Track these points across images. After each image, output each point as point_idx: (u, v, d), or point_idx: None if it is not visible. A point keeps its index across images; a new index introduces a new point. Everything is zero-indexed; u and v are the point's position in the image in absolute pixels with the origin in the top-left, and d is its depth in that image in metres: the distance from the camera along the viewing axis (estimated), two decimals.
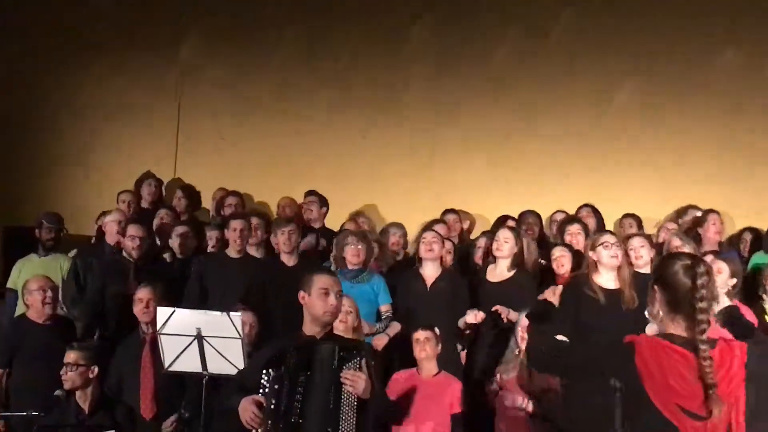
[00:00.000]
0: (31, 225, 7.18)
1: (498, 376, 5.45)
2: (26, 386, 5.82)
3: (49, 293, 6.10)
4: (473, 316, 6.01)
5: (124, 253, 6.69)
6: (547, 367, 3.33)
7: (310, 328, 3.98)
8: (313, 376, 3.79)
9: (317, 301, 3.92)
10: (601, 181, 8.10)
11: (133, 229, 6.71)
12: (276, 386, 3.73)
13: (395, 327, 6.26)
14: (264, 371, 3.77)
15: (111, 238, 6.99)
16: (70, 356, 5.25)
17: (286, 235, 6.63)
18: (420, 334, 5.61)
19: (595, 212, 7.39)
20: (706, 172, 7.97)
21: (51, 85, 9.07)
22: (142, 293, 5.88)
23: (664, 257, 3.31)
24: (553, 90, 8.42)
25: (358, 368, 3.78)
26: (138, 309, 5.87)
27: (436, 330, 5.68)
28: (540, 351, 3.34)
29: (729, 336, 4.40)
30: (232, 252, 6.79)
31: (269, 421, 3.69)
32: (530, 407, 5.25)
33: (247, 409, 3.71)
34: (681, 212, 7.65)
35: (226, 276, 6.60)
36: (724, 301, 5.44)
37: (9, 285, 6.99)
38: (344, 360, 3.81)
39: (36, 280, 6.18)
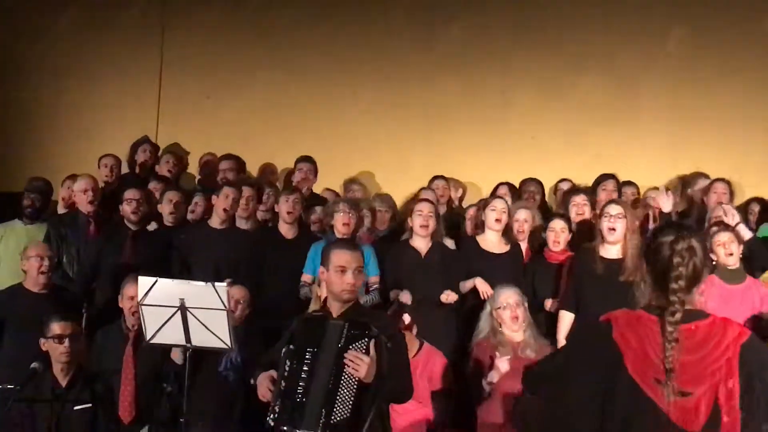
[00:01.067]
0: (13, 190, 6.92)
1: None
2: (16, 357, 5.57)
3: (46, 262, 5.90)
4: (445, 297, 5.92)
5: (125, 221, 6.52)
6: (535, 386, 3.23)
7: (331, 304, 3.92)
8: (319, 353, 3.70)
9: (334, 278, 3.86)
10: (605, 145, 7.90)
11: (130, 193, 6.54)
12: (287, 362, 3.72)
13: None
14: (284, 348, 3.76)
15: (84, 207, 6.74)
16: (66, 327, 5.01)
17: (290, 204, 6.47)
18: (406, 318, 5.48)
19: (618, 183, 7.11)
20: (715, 138, 7.78)
21: (28, 44, 8.78)
22: (132, 290, 5.45)
23: (656, 230, 3.17)
24: (553, 49, 8.19)
25: (365, 349, 3.65)
26: (127, 306, 5.60)
27: (406, 318, 5.51)
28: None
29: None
30: (215, 222, 6.54)
31: (278, 399, 3.68)
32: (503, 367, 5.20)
33: (261, 383, 3.79)
34: (687, 179, 7.46)
35: (211, 249, 6.38)
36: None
37: None
38: (351, 339, 3.68)
39: (33, 248, 5.99)
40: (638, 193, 7.19)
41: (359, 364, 3.61)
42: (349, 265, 3.86)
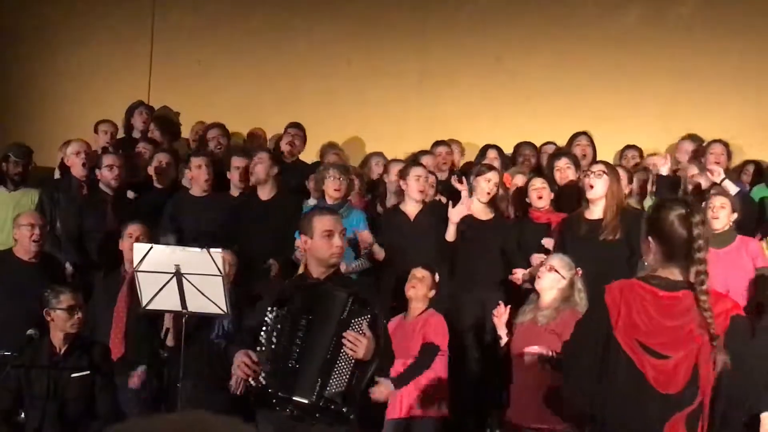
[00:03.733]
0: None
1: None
2: (3, 324, 5.55)
3: (37, 230, 5.85)
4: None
5: (101, 186, 6.48)
6: None
7: (315, 269, 3.84)
8: (315, 320, 3.65)
9: (321, 243, 3.76)
10: (598, 108, 7.82)
11: (109, 159, 6.53)
12: (278, 326, 3.64)
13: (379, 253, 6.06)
14: (269, 310, 3.67)
15: (77, 171, 6.68)
16: (77, 298, 5.02)
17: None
18: (419, 272, 5.45)
19: (591, 141, 7.10)
20: (708, 100, 7.71)
21: (18, 10, 8.66)
22: (133, 229, 5.68)
23: (656, 206, 3.22)
24: (549, 11, 8.10)
25: (367, 323, 3.62)
26: (126, 245, 5.63)
27: (437, 276, 5.53)
28: None
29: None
30: (196, 191, 6.57)
31: (266, 364, 3.60)
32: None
33: (240, 363, 3.62)
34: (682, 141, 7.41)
35: (196, 216, 6.41)
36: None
37: None
38: (354, 313, 3.64)
39: (26, 216, 5.95)
40: (639, 157, 7.16)
41: (357, 345, 3.57)
42: (335, 228, 3.80)
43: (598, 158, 6.65)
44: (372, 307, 3.66)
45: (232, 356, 3.67)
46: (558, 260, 5.07)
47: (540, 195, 6.12)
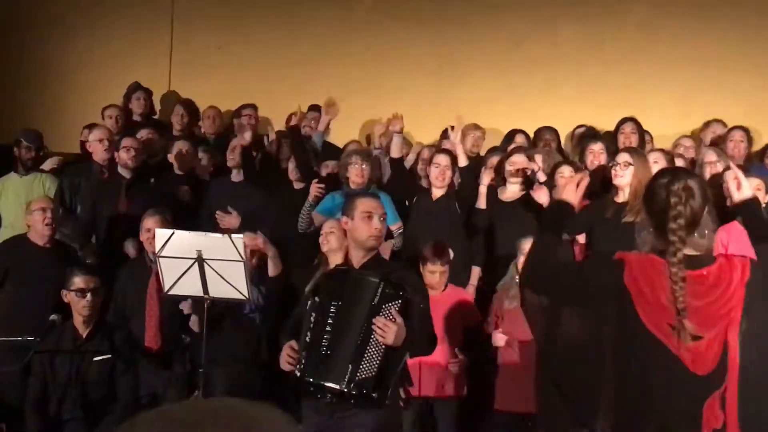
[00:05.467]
0: (11, 143, 6.86)
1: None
2: (18, 309, 5.59)
3: (49, 214, 5.83)
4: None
5: (120, 170, 6.48)
6: (536, 285, 3.09)
7: (354, 254, 3.92)
8: (345, 306, 3.68)
9: (361, 224, 3.85)
10: (618, 93, 7.78)
11: (128, 141, 6.52)
12: (312, 315, 3.71)
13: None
14: (309, 300, 3.77)
15: (98, 156, 6.67)
16: (89, 281, 5.04)
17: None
18: (436, 268, 5.37)
19: (639, 128, 6.93)
20: (729, 85, 7.65)
21: None
22: (150, 222, 5.59)
23: (656, 173, 3.15)
24: None
25: (398, 310, 3.63)
26: (145, 238, 5.62)
27: (450, 253, 5.51)
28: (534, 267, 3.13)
29: (737, 242, 4.28)
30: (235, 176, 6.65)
31: (303, 351, 3.67)
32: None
33: (283, 352, 3.78)
34: (703, 128, 7.36)
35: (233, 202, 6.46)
36: None
37: None
38: (386, 298, 3.65)
39: (37, 201, 5.94)
40: (651, 141, 7.12)
41: (387, 331, 3.58)
42: (375, 210, 3.88)
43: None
44: (404, 292, 3.66)
45: (282, 346, 3.85)
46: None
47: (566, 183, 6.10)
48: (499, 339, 5.30)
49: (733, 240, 5.22)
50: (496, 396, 5.32)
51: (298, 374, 3.69)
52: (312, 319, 3.70)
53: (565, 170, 6.10)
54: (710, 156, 6.07)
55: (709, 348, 2.80)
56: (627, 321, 2.84)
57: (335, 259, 5.06)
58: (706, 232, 2.94)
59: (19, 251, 5.82)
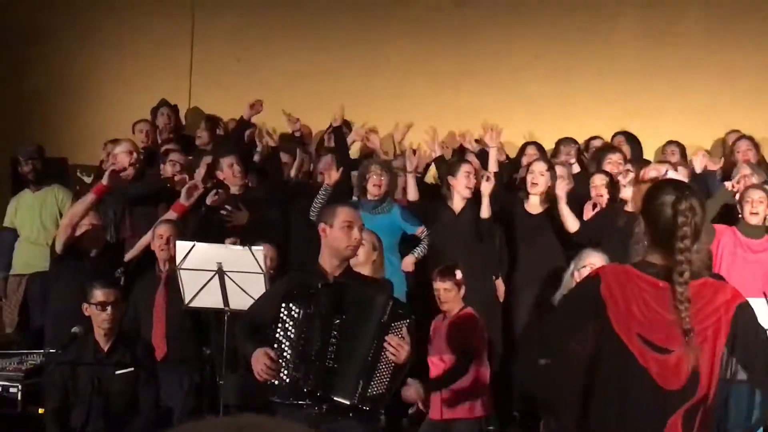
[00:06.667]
0: (54, 156, 6.95)
1: None
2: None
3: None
4: None
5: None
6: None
7: (328, 262, 3.84)
8: (351, 321, 3.65)
9: (340, 234, 3.79)
10: (638, 103, 7.74)
11: (175, 156, 6.64)
12: (305, 326, 3.59)
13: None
14: (284, 305, 3.61)
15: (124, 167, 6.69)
16: (109, 294, 5.05)
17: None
18: (439, 285, 5.30)
19: (632, 140, 7.03)
20: (751, 94, 7.61)
21: (59, 10, 8.73)
22: (162, 229, 5.67)
23: (654, 185, 3.10)
24: (588, 7, 8.05)
25: (406, 328, 3.65)
26: (157, 245, 5.66)
27: (458, 273, 5.43)
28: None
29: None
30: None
31: (297, 362, 3.57)
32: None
33: (259, 360, 3.57)
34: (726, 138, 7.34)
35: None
36: None
37: (6, 223, 6.78)
38: (396, 317, 3.66)
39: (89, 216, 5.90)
40: (681, 153, 7.11)
41: (400, 351, 3.59)
42: (356, 221, 3.84)
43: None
44: (409, 312, 3.70)
45: (249, 353, 3.63)
46: (599, 258, 5.10)
47: (600, 193, 6.14)
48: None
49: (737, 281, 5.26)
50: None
51: (277, 382, 3.58)
52: (305, 329, 3.60)
53: (597, 179, 6.21)
54: (745, 170, 6.17)
55: (680, 363, 2.77)
56: (603, 329, 2.84)
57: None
58: (696, 246, 2.91)
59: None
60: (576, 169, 6.80)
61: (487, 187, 6.07)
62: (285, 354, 3.59)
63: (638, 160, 6.55)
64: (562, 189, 5.95)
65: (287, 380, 3.59)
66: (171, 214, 5.87)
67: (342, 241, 3.79)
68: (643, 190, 5.35)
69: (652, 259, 2.87)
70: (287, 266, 5.78)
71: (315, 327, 3.61)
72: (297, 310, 3.61)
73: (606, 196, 6.12)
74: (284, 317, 3.61)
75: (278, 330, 3.62)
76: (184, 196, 5.89)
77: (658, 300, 2.80)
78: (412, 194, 6.19)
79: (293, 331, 3.60)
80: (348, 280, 3.80)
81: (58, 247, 5.80)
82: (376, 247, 5.07)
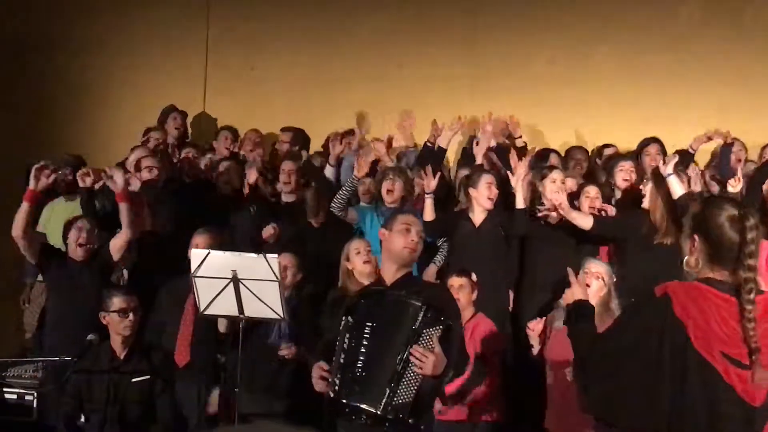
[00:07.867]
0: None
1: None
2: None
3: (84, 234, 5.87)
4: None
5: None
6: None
7: (387, 269, 3.96)
8: (382, 328, 3.65)
9: (397, 237, 3.90)
10: (650, 110, 7.71)
11: (148, 161, 6.63)
12: (347, 335, 3.69)
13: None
14: (342, 320, 3.74)
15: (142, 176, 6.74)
16: (130, 301, 5.08)
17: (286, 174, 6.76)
18: (454, 281, 5.38)
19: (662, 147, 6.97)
20: (762, 101, 7.59)
21: (74, 21, 8.81)
22: (200, 239, 5.62)
23: (705, 203, 3.03)
24: (601, 13, 8.06)
25: (438, 336, 3.61)
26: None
27: (473, 276, 5.48)
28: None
29: None
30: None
31: (337, 372, 3.64)
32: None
33: (314, 374, 3.77)
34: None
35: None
36: None
37: (39, 228, 6.80)
38: (427, 324, 3.62)
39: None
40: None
41: (425, 362, 3.56)
42: (414, 225, 3.94)
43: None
44: (445, 317, 3.65)
45: (311, 365, 3.85)
46: (602, 267, 5.09)
47: (593, 204, 6.10)
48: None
49: None
50: (546, 416, 5.20)
51: (332, 395, 3.65)
52: (346, 339, 3.67)
53: (591, 190, 6.17)
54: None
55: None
56: (683, 351, 2.78)
57: (364, 281, 5.07)
58: None
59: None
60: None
61: (519, 173, 6.03)
62: (334, 367, 3.70)
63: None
64: (558, 196, 5.91)
65: (331, 393, 3.66)
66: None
67: (399, 243, 3.88)
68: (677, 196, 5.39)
69: (717, 276, 2.84)
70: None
71: (352, 337, 3.67)
72: (344, 323, 3.73)
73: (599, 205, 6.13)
74: (341, 331, 3.72)
75: (336, 345, 3.74)
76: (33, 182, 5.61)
77: (733, 315, 2.77)
78: (429, 215, 6.16)
79: (337, 342, 3.72)
80: (404, 287, 3.83)
81: (31, 259, 5.86)
82: None
